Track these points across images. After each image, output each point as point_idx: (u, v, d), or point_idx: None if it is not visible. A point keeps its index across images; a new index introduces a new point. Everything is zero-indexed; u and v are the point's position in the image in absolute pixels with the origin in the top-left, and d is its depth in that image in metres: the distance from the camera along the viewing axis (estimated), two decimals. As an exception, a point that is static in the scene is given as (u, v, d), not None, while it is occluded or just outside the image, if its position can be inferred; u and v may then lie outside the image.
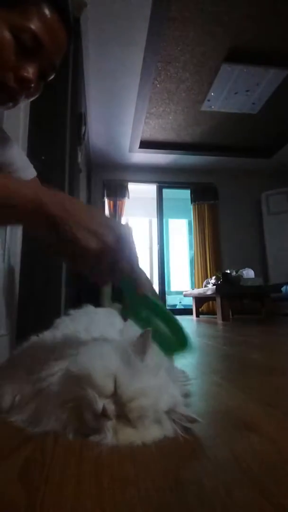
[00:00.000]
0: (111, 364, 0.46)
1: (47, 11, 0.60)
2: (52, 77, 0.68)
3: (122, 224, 0.49)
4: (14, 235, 1.18)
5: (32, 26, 0.58)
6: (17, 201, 0.43)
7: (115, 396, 0.43)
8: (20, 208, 0.43)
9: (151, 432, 0.43)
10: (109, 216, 0.47)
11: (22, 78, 0.60)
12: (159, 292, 5.10)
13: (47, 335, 0.58)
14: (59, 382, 0.47)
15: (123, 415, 0.43)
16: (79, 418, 0.44)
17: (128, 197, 5.10)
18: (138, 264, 0.48)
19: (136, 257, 0.47)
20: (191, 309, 4.46)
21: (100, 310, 0.75)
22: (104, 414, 0.41)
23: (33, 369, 0.51)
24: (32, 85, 0.62)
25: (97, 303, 0.83)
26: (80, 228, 0.43)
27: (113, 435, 0.41)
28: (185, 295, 4.57)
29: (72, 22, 0.65)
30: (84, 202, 3.71)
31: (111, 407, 0.42)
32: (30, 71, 0.61)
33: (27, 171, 0.80)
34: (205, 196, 5.27)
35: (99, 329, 0.60)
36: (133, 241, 0.47)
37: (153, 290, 0.53)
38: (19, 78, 0.60)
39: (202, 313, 4.57)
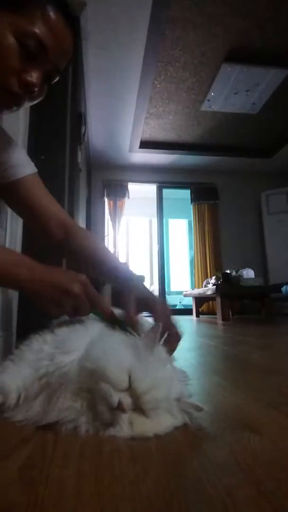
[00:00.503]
0: (125, 358, 0.47)
1: (52, 15, 0.59)
2: (56, 80, 0.67)
3: (132, 274, 0.71)
4: (14, 234, 1.18)
5: (37, 30, 0.57)
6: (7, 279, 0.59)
7: (130, 390, 0.45)
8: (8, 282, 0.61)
9: (164, 421, 0.45)
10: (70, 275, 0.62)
11: (26, 83, 0.59)
12: (159, 292, 5.11)
13: (48, 333, 0.58)
14: (72, 372, 0.48)
15: (137, 407, 0.45)
16: (93, 410, 0.45)
17: (128, 197, 5.11)
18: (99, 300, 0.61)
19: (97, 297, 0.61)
20: (191, 309, 4.46)
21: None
22: (119, 408, 0.43)
23: (39, 364, 0.51)
24: (36, 89, 0.62)
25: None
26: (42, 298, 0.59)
27: (129, 427, 0.43)
28: (185, 295, 4.57)
29: (77, 25, 0.65)
30: (84, 203, 3.71)
31: (127, 401, 0.44)
32: (34, 76, 0.60)
33: (27, 167, 0.80)
34: (205, 196, 5.27)
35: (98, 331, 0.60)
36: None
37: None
38: (23, 83, 0.59)
39: (202, 313, 4.57)
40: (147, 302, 0.64)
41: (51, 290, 0.57)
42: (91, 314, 0.62)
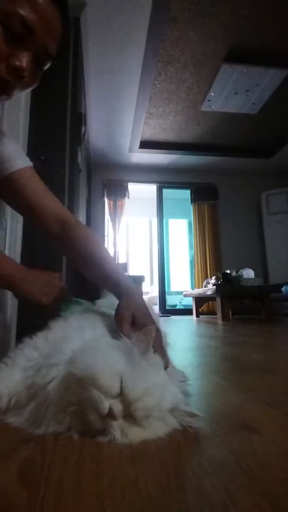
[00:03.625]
0: (116, 363, 0.45)
1: None
2: (48, 65, 0.64)
3: (129, 283, 0.72)
4: (14, 234, 1.18)
5: (21, 11, 0.54)
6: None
7: (121, 396, 0.43)
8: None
9: (157, 429, 0.44)
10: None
11: (15, 67, 0.57)
12: (159, 292, 5.13)
13: (40, 337, 0.58)
14: (58, 384, 0.46)
15: (129, 415, 0.43)
16: (83, 421, 0.43)
17: (128, 197, 5.10)
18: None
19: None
20: (191, 309, 4.46)
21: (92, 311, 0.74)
22: (110, 415, 0.41)
23: (26, 373, 0.51)
24: (25, 73, 0.59)
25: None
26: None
27: (121, 434, 0.42)
28: (185, 295, 4.56)
29: (69, 6, 0.61)
30: (84, 203, 3.71)
31: (118, 407, 0.42)
32: (22, 60, 0.57)
33: (20, 161, 0.78)
34: (205, 196, 5.27)
35: (92, 329, 0.60)
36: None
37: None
38: (11, 68, 0.57)
39: (202, 313, 4.57)
40: (139, 321, 0.60)
41: (38, 285, 0.72)
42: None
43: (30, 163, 0.81)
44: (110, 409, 0.41)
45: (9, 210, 1.08)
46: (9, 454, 0.39)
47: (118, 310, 0.62)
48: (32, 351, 0.54)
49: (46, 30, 0.59)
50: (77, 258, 0.79)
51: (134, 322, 0.59)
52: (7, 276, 0.70)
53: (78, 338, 0.54)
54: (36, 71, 0.63)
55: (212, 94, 3.43)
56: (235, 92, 3.40)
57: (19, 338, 0.59)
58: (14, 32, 0.55)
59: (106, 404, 0.41)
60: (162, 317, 4.18)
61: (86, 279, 0.77)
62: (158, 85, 3.33)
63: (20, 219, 1.22)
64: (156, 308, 5.02)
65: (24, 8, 0.55)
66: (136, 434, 0.42)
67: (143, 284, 3.25)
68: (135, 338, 0.52)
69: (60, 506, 0.29)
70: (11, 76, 0.58)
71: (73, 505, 0.29)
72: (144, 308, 0.64)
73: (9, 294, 1.16)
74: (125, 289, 0.67)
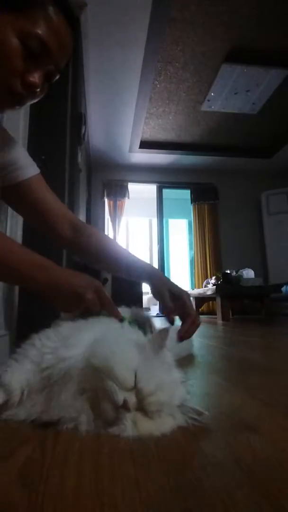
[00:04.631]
0: (132, 358, 0.48)
1: (54, 15, 0.59)
2: (56, 78, 0.68)
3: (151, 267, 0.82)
4: (14, 234, 1.18)
5: (39, 31, 0.58)
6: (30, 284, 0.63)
7: (135, 390, 0.45)
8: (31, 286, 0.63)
9: (166, 424, 0.46)
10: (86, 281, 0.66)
11: (29, 84, 0.60)
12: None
13: (51, 331, 0.58)
14: (74, 368, 0.48)
15: (141, 408, 0.45)
16: (95, 409, 0.45)
17: (128, 197, 5.10)
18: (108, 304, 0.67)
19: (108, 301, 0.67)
20: (191, 309, 4.45)
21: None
22: (124, 407, 0.43)
23: (41, 360, 0.52)
24: (38, 89, 0.63)
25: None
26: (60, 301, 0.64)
27: (132, 426, 0.43)
28: (185, 295, 4.56)
29: (77, 23, 0.66)
30: (84, 203, 3.71)
31: (132, 400, 0.44)
32: (36, 76, 0.60)
33: (30, 169, 0.80)
34: (205, 196, 5.27)
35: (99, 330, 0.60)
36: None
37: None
38: (26, 83, 0.60)
39: (202, 313, 4.57)
40: (176, 294, 0.76)
41: (65, 295, 0.62)
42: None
43: (39, 170, 0.83)
44: (125, 401, 0.43)
45: (9, 210, 1.08)
46: (9, 454, 0.39)
47: (156, 288, 0.77)
48: (45, 340, 0.55)
49: (60, 49, 0.62)
50: (96, 257, 0.84)
51: (172, 296, 0.75)
52: (27, 276, 0.62)
53: (92, 332, 0.56)
54: (45, 84, 0.66)
55: (212, 94, 3.43)
56: (235, 92, 3.40)
57: (21, 336, 0.59)
58: (32, 50, 0.58)
59: (121, 396, 0.43)
60: (162, 317, 4.18)
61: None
62: (158, 85, 3.33)
63: (20, 219, 1.21)
64: (156, 308, 5.02)
65: (42, 28, 0.58)
66: (146, 427, 0.44)
67: (143, 284, 3.24)
68: (150, 336, 0.55)
69: (60, 506, 0.29)
70: (25, 90, 0.61)
71: (73, 505, 0.29)
72: (175, 285, 0.79)
73: (15, 292, 1.16)
74: (153, 273, 0.80)
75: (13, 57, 0.57)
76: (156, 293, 0.77)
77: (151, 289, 0.80)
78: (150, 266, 0.83)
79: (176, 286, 0.78)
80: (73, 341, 0.52)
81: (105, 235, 0.89)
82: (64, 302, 0.63)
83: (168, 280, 0.80)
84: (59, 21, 0.60)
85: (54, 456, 0.39)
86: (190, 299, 0.78)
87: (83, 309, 0.63)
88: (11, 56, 0.57)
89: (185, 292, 0.78)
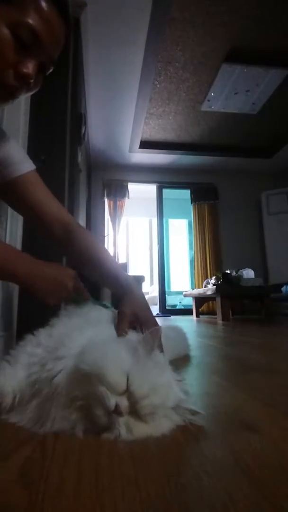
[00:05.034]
0: (123, 361, 0.47)
1: (44, 5, 0.58)
2: (51, 70, 0.67)
3: (131, 283, 0.74)
4: (14, 234, 1.18)
5: (30, 21, 0.56)
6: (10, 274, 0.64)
7: (128, 393, 0.44)
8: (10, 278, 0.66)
9: (161, 426, 0.45)
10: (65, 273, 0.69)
11: (23, 75, 0.59)
12: (159, 292, 5.14)
13: (43, 333, 0.58)
14: (65, 379, 0.47)
15: (134, 412, 0.44)
16: (88, 417, 0.44)
17: (128, 197, 5.10)
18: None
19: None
20: (191, 309, 4.45)
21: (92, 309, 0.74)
22: (116, 411, 0.42)
23: (30, 370, 0.51)
24: (32, 80, 0.61)
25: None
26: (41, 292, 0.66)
27: (127, 431, 0.42)
28: (185, 295, 4.56)
29: (70, 14, 0.64)
30: (84, 203, 3.71)
31: (124, 404, 0.43)
32: (29, 67, 0.59)
33: (24, 165, 0.79)
34: (205, 196, 5.27)
35: (94, 327, 0.60)
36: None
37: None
38: (19, 75, 0.59)
39: (202, 313, 4.57)
40: (139, 319, 0.66)
41: (49, 285, 0.65)
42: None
43: (34, 166, 0.82)
44: (117, 406, 0.42)
45: (9, 210, 1.08)
46: (9, 454, 0.39)
47: (120, 307, 0.67)
48: (35, 347, 0.55)
49: (52, 39, 0.61)
50: (80, 259, 0.82)
51: (137, 320, 0.66)
52: (7, 269, 0.64)
53: (83, 335, 0.55)
54: (39, 76, 0.65)
55: (212, 94, 3.43)
56: (235, 92, 3.40)
57: (21, 336, 0.59)
58: (23, 41, 0.57)
59: (112, 400, 0.42)
60: (162, 317, 4.18)
61: (85, 279, 0.77)
62: (158, 85, 3.33)
63: (20, 219, 1.21)
64: (156, 308, 5.02)
65: (33, 18, 0.57)
66: (141, 431, 0.43)
67: (143, 284, 3.25)
68: (141, 337, 0.53)
69: (60, 506, 0.29)
70: (18, 82, 0.60)
71: (73, 505, 0.29)
72: (145, 306, 0.70)
73: (15, 292, 1.16)
74: (127, 288, 0.72)
75: (5, 48, 0.56)
76: (118, 312, 0.67)
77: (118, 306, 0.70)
78: (130, 284, 0.73)
79: (147, 313, 0.68)
80: (62, 351, 0.51)
81: (96, 239, 0.85)
82: (47, 292, 0.65)
83: (141, 303, 0.69)
84: (50, 11, 0.59)
85: (54, 456, 0.39)
86: (158, 331, 0.56)
87: (65, 297, 0.68)
88: (3, 47, 0.56)
89: (153, 322, 0.66)
